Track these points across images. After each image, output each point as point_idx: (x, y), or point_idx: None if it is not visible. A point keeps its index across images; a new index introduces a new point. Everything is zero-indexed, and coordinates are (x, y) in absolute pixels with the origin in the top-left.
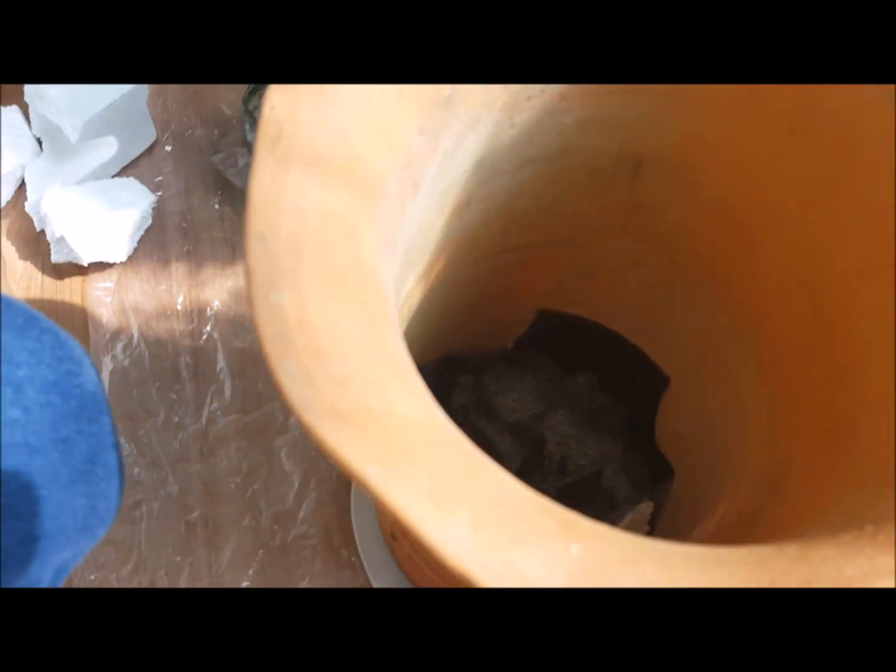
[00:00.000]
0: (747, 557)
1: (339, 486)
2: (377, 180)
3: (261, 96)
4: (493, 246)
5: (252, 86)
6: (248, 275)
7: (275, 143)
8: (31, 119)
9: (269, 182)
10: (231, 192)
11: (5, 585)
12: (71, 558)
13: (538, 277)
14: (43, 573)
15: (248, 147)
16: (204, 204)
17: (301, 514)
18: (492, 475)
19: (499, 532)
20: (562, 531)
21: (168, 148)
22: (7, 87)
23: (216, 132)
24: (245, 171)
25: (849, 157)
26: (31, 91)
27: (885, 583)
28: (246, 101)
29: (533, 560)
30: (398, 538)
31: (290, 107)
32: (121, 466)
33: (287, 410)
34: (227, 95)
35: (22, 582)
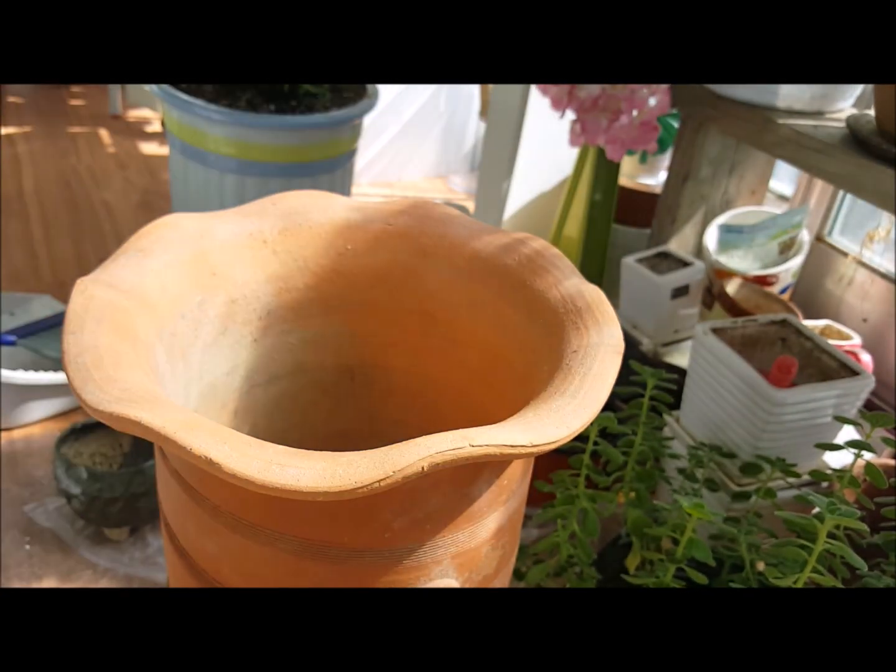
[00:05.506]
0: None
1: None
2: (156, 308)
3: (70, 444)
4: None
5: (63, 434)
6: (63, 353)
7: (82, 290)
8: None
9: (78, 303)
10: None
11: None
12: None
13: None
14: None
15: (59, 493)
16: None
17: None
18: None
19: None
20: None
21: None
22: None
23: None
24: (54, 514)
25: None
26: None
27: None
28: (58, 446)
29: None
30: None
31: (97, 272)
32: None
33: None
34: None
35: None
